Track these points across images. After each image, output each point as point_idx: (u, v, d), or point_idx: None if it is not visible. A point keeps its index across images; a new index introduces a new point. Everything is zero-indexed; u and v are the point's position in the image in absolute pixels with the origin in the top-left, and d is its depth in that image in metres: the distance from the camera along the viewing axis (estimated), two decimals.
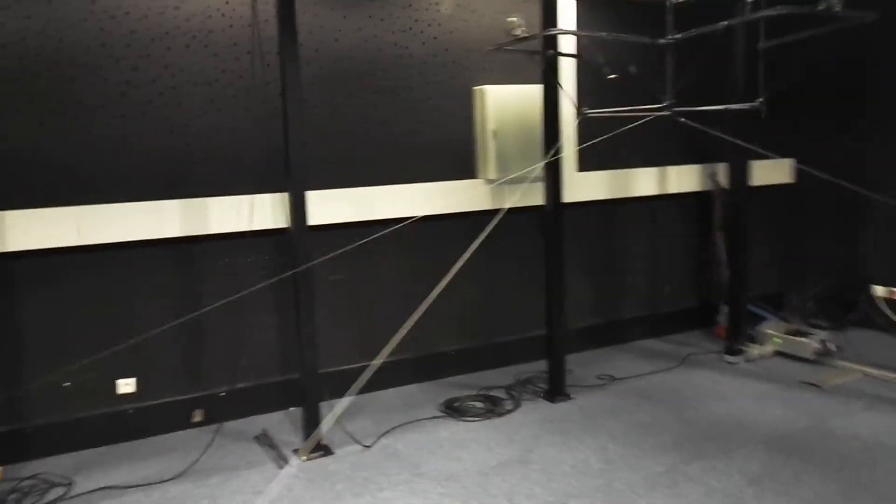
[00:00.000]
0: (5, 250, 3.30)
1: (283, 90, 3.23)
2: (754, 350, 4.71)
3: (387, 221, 4.18)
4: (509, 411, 3.88)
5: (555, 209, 3.91)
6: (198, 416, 3.80)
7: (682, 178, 5.21)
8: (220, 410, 3.84)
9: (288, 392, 3.98)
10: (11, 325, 3.40)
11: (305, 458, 3.37)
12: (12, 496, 3.03)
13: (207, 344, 3.84)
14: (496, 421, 3.77)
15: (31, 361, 3.46)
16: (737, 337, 4.70)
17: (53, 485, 3.15)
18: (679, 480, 3.04)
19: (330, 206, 3.98)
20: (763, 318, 5.01)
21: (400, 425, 3.72)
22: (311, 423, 3.40)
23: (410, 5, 4.17)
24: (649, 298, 5.27)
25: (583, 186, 4.78)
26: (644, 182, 5.05)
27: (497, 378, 4.41)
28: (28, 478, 3.22)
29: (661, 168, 5.11)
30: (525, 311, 4.66)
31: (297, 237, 3.26)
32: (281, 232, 3.82)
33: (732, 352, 4.65)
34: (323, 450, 3.42)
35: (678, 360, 4.66)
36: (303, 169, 3.29)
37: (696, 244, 5.36)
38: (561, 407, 3.94)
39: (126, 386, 3.65)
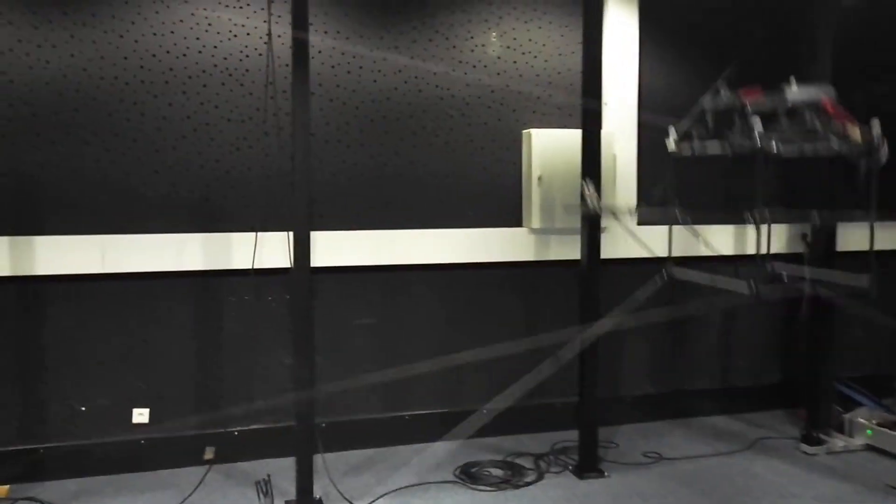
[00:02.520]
0: (34, 274, 3.42)
1: (292, 128, 3.17)
2: (839, 441, 4.03)
3: (421, 267, 4.02)
4: (528, 484, 3.52)
5: (590, 264, 3.56)
6: (209, 454, 3.73)
7: (764, 237, 4.64)
8: (232, 450, 3.76)
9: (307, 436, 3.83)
10: (36, 346, 3.51)
11: None
12: None
13: (224, 381, 3.80)
14: (510, 493, 3.42)
15: (51, 383, 3.54)
16: (818, 423, 4.05)
17: None
18: None
19: (360, 248, 3.87)
20: (859, 404, 4.31)
21: (403, 487, 3.46)
22: (303, 475, 3.22)
23: (454, 46, 4.05)
24: (722, 369, 4.70)
25: (643, 241, 4.36)
26: (719, 240, 4.55)
27: (533, 444, 4.06)
28: (24, 499, 3.25)
29: (739, 226, 4.59)
30: (572, 373, 4.27)
31: (298, 277, 3.14)
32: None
33: (811, 440, 4.01)
34: None
35: (745, 444, 4.09)
36: (307, 209, 3.18)
37: (781, 311, 4.74)
38: (589, 485, 3.52)
39: (140, 416, 3.65)
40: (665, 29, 4.38)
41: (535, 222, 4.12)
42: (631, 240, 4.24)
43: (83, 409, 3.59)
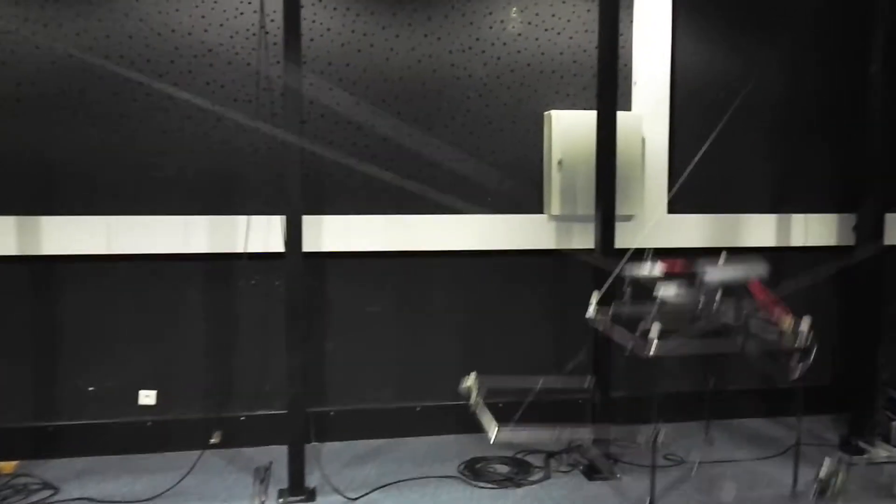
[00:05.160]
0: (41, 253, 3.45)
1: (284, 105, 3.07)
2: (883, 451, 3.69)
3: (437, 254, 3.88)
4: (532, 483, 3.34)
5: (604, 255, 3.34)
6: (216, 438, 3.70)
7: (813, 229, 4.30)
8: (239, 435, 3.73)
9: (314, 425, 3.77)
10: (44, 326, 3.55)
11: (283, 501, 3.11)
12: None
13: (233, 365, 3.76)
14: (510, 492, 3.26)
15: (60, 363, 3.58)
16: (861, 431, 3.71)
17: (43, 487, 3.19)
18: None
19: (374, 233, 3.76)
20: None
21: (402, 481, 3.35)
22: (295, 464, 3.14)
23: (472, 23, 3.86)
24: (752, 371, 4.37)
25: (673, 231, 4.09)
26: (759, 231, 4.23)
27: (549, 438, 3.86)
28: (22, 475, 3.29)
29: (784, 215, 4.25)
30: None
31: (291, 262, 3.05)
32: (315, 255, 3.66)
33: (850, 449, 3.68)
34: (305, 495, 3.14)
35: (779, 449, 3.79)
36: (299, 192, 3.08)
37: (832, 310, 4.37)
38: (597, 487, 3.33)
39: (146, 398, 3.65)
40: (700, 2, 4.07)
41: (556, 209, 3.91)
42: (658, 229, 3.98)
43: (91, 389, 3.61)
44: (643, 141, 4.00)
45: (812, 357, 2.56)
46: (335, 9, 3.70)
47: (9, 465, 3.37)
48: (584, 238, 3.87)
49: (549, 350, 4.06)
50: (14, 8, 3.37)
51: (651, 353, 2.60)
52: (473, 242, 3.85)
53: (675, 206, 4.07)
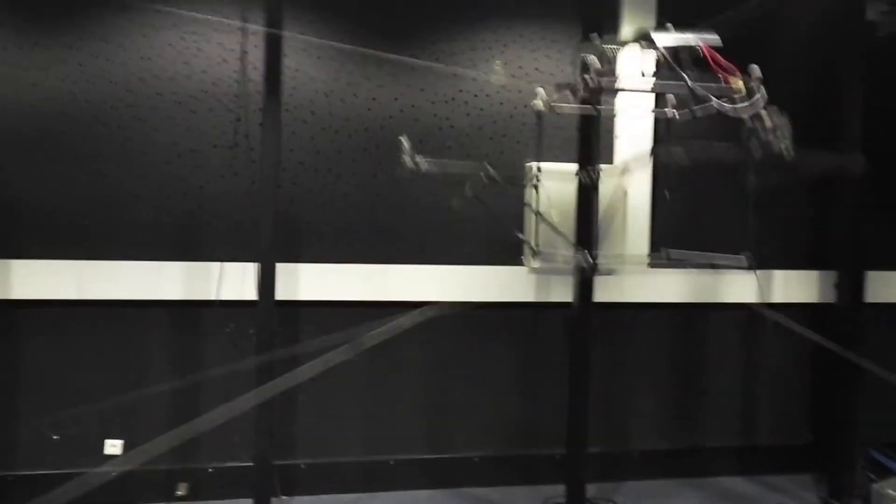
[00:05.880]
0: (9, 297, 3.38)
1: (262, 153, 3.05)
2: None
3: (408, 304, 3.83)
4: None
5: (581, 307, 3.31)
6: (182, 490, 3.60)
7: (793, 286, 4.30)
8: (207, 488, 3.62)
9: (283, 478, 3.67)
10: (10, 370, 3.45)
11: None
12: None
13: (201, 414, 3.66)
14: None
15: (24, 408, 3.48)
16: (839, 492, 3.66)
17: None
18: None
19: (349, 282, 3.72)
20: (892, 472, 3.89)
21: None
22: None
23: (455, 74, 3.88)
24: (745, 426, 4.33)
25: (654, 286, 4.08)
26: (739, 287, 4.22)
27: (526, 497, 3.79)
28: None
29: (765, 272, 4.26)
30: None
31: (264, 311, 3.00)
32: (292, 304, 3.61)
33: None
34: None
35: None
36: (272, 239, 3.04)
37: (812, 367, 4.35)
38: None
39: (112, 447, 3.55)
40: (683, 53, 4.12)
41: (536, 261, 3.88)
42: (638, 284, 3.96)
43: (55, 437, 3.50)
44: (625, 194, 4.00)
45: (762, 101, 2.37)
46: (319, 58, 3.72)
47: None
48: (562, 291, 3.84)
49: (524, 405, 4.00)
50: None
51: None
52: (451, 293, 3.82)
53: (655, 261, 4.05)
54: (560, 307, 3.89)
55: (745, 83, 2.32)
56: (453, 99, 3.89)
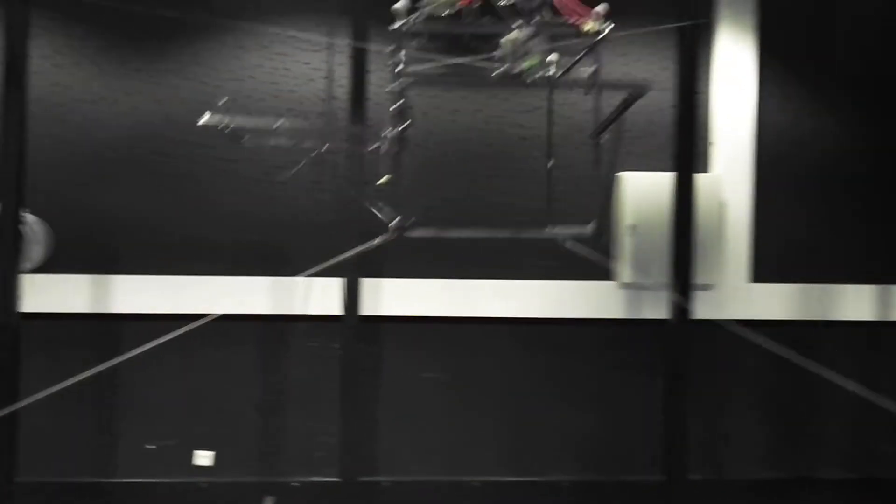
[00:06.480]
0: (109, 312, 3.54)
1: (348, 167, 3.05)
2: None
3: (497, 321, 3.74)
4: None
5: (680, 324, 3.10)
6: (268, 503, 3.63)
7: None
8: (290, 501, 3.64)
9: (369, 494, 3.64)
10: (108, 383, 3.60)
11: None
12: None
13: (288, 430, 3.70)
14: None
15: (123, 419, 3.62)
16: None
17: None
18: None
19: (434, 297, 3.68)
20: None
21: None
22: None
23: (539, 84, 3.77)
24: (862, 454, 3.95)
25: (756, 302, 3.80)
26: (854, 303, 3.87)
27: None
28: None
29: (884, 286, 3.89)
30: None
31: (348, 325, 2.99)
32: (372, 319, 3.60)
33: None
34: None
35: None
36: (356, 254, 3.02)
37: None
38: None
39: (203, 458, 3.63)
40: (787, 58, 3.86)
41: (626, 276, 3.71)
42: (739, 299, 3.70)
43: (152, 447, 3.61)
44: (720, 205, 3.77)
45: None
46: (399, 67, 3.70)
47: None
48: (656, 308, 3.64)
49: (615, 427, 3.81)
50: (100, 79, 3.55)
51: None
52: (536, 309, 3.69)
53: (758, 274, 3.79)
54: (652, 324, 3.68)
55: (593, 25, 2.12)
56: (538, 108, 3.78)
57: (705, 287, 3.69)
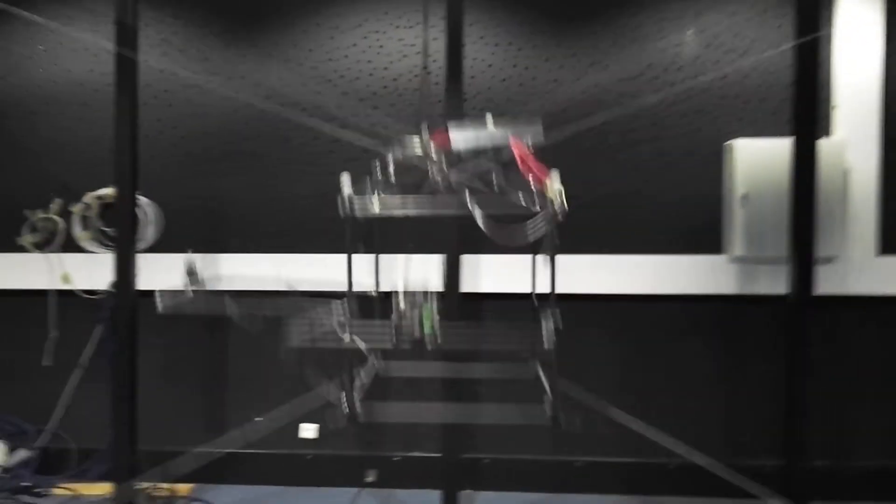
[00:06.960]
0: (219, 289, 3.67)
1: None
2: None
3: (597, 297, 3.63)
4: None
5: (800, 301, 2.89)
6: (371, 477, 3.70)
7: None
8: (393, 476, 3.69)
9: (468, 471, 3.64)
10: (220, 357, 3.76)
11: None
12: None
13: (389, 403, 3.73)
14: None
15: (232, 392, 3.76)
16: None
17: None
18: None
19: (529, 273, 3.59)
20: None
21: None
22: None
23: (643, 49, 3.60)
24: None
25: (885, 276, 3.51)
26: None
27: None
28: (196, 500, 3.47)
29: None
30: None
31: (448, 303, 2.96)
32: (472, 296, 3.56)
33: None
34: None
35: None
36: (456, 231, 2.99)
37: None
38: None
39: (307, 431, 3.73)
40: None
41: (738, 249, 3.49)
42: (866, 273, 3.42)
43: (258, 419, 3.74)
44: (845, 173, 3.48)
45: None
46: (497, 45, 3.63)
47: (185, 488, 3.57)
48: (771, 283, 3.41)
49: (727, 409, 3.61)
50: (205, 64, 3.66)
51: None
52: (640, 286, 3.55)
53: (886, 245, 3.48)
54: (768, 301, 3.46)
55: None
56: (641, 75, 3.61)
57: (828, 260, 3.43)
